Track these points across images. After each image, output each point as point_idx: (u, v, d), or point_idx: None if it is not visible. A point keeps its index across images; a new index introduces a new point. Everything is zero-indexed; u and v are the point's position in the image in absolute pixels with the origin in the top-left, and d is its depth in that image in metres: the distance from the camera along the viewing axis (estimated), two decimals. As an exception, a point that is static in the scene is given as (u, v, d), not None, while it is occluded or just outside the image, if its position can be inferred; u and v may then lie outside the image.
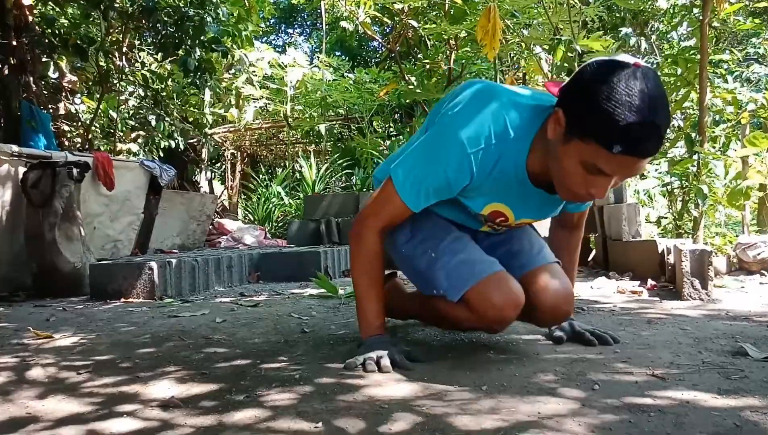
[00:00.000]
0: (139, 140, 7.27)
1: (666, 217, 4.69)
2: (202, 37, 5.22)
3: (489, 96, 1.53)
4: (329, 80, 9.15)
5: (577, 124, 1.34)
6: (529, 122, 1.50)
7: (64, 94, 6.07)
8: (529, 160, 1.51)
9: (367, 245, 1.64)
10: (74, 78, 6.21)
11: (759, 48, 7.59)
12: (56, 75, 5.69)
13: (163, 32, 5.09)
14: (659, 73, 5.15)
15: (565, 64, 4.80)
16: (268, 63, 9.11)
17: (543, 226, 2.16)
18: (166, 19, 5.12)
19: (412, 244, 1.72)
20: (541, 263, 1.73)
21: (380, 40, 9.00)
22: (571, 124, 1.35)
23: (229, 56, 6.53)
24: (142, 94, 7.06)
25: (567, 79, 1.45)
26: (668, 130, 1.34)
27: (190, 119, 8.13)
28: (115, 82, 6.44)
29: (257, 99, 9.33)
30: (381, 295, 1.68)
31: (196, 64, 5.30)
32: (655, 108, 1.28)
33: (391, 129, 8.94)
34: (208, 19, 5.19)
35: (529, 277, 1.67)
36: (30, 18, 5.10)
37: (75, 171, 3.75)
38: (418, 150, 1.59)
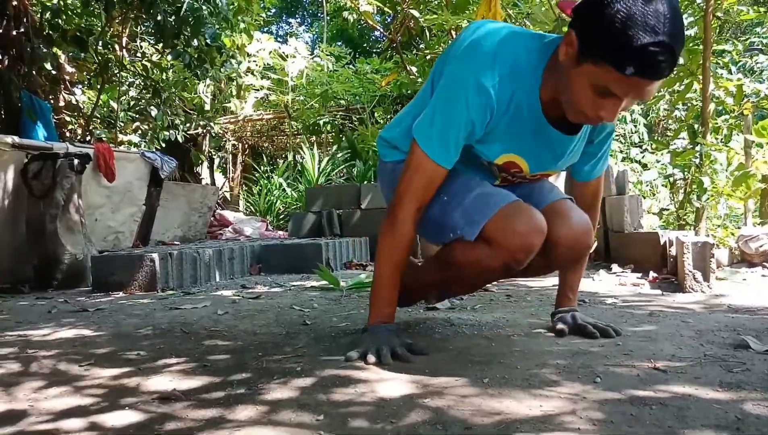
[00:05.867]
0: (140, 131, 7.25)
1: (668, 209, 4.68)
2: (202, 30, 5.18)
3: (494, 32, 1.53)
4: (331, 70, 9.12)
5: (590, 44, 1.32)
6: (539, 52, 1.49)
7: (63, 85, 6.04)
8: (542, 90, 1.50)
9: (401, 231, 1.59)
10: (72, 69, 6.18)
11: (763, 38, 7.54)
12: (55, 65, 5.67)
13: (162, 22, 5.05)
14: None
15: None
16: (269, 53, 9.08)
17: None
18: (166, 8, 5.10)
19: None
20: (555, 198, 1.71)
21: (382, 30, 8.96)
22: (583, 45, 1.34)
23: (225, 49, 6.48)
24: (143, 84, 7.03)
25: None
26: (681, 49, 1.31)
27: (191, 109, 8.10)
28: (116, 72, 6.42)
29: (258, 89, 9.30)
30: (398, 285, 1.65)
31: (195, 55, 5.28)
32: (670, 29, 1.26)
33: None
34: (206, 13, 5.15)
35: (545, 212, 1.61)
36: (29, 8, 5.08)
37: (76, 162, 3.74)
38: (434, 103, 1.55)
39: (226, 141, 9.94)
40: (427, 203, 1.62)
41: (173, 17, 5.10)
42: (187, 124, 7.55)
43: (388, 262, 1.62)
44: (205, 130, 8.31)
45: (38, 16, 5.35)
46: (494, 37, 1.51)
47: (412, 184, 1.58)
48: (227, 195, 9.44)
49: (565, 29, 4.08)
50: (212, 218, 6.40)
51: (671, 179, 4.42)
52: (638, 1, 1.26)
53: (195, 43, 5.27)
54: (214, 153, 9.91)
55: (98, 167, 4.30)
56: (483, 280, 1.88)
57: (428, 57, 7.31)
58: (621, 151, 6.83)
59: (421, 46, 8.06)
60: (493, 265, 1.59)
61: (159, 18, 5.02)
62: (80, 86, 6.79)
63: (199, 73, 5.67)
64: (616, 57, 1.28)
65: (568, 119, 1.50)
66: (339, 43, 12.98)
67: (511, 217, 1.53)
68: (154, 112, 6.71)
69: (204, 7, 5.19)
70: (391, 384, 1.35)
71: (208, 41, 5.40)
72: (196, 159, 8.17)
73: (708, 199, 4.03)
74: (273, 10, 15.44)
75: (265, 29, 11.84)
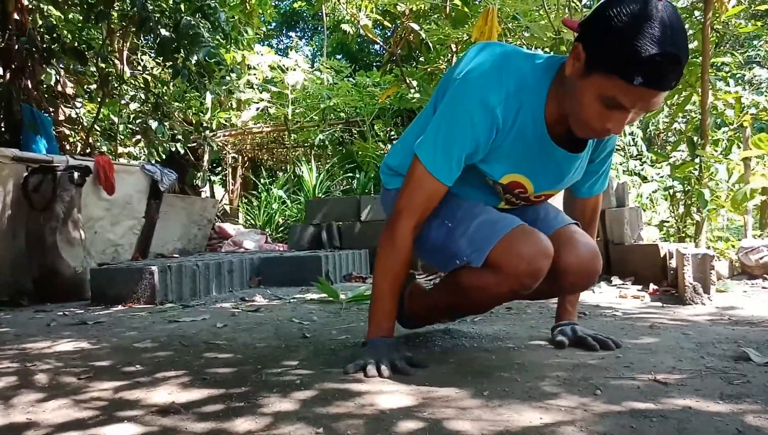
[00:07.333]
0: (140, 144, 7.26)
1: (668, 221, 4.68)
2: (196, 49, 5.19)
3: (498, 52, 1.54)
4: (331, 83, 9.15)
5: (597, 56, 1.34)
6: (543, 70, 1.51)
7: (63, 99, 6.07)
8: (547, 108, 1.51)
9: (399, 245, 1.58)
10: (72, 83, 6.21)
11: (760, 50, 7.59)
12: (55, 80, 5.69)
13: (161, 37, 5.07)
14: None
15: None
16: (269, 66, 9.12)
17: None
18: (166, 21, 5.12)
19: (427, 220, 1.63)
20: (561, 224, 1.71)
21: (381, 44, 9.00)
22: (590, 57, 1.36)
23: (224, 64, 6.50)
24: (143, 98, 7.06)
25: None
26: (686, 61, 1.33)
27: (192, 122, 8.11)
28: (116, 86, 6.44)
29: (257, 102, 9.33)
30: (397, 299, 1.64)
31: (194, 70, 5.29)
32: (676, 41, 1.29)
33: (393, 133, 8.94)
34: (204, 31, 5.16)
35: (551, 239, 1.59)
36: (29, 23, 5.11)
37: (76, 175, 3.75)
38: (438, 121, 1.55)
39: (226, 153, 9.96)
40: (425, 219, 1.61)
41: (173, 31, 5.11)
42: (190, 137, 7.56)
43: (387, 277, 1.61)
44: (204, 142, 8.31)
45: (39, 30, 5.37)
46: (499, 56, 1.53)
47: (412, 199, 1.58)
48: (227, 207, 9.43)
49: (563, 48, 4.12)
50: (212, 231, 6.39)
51: (671, 191, 4.42)
52: (645, 14, 1.28)
53: (194, 58, 5.28)
54: (213, 167, 9.92)
55: (98, 180, 4.30)
56: (491, 304, 1.86)
57: (428, 70, 7.35)
58: (621, 164, 6.85)
59: (421, 59, 8.10)
60: (500, 290, 1.58)
61: (157, 32, 5.03)
62: (80, 99, 6.81)
63: (198, 86, 5.69)
64: (624, 67, 1.30)
65: (575, 134, 1.51)
66: (339, 57, 13.04)
67: (517, 241, 1.51)
68: (154, 125, 6.72)
69: (202, 23, 5.20)
70: (390, 397, 1.35)
71: (206, 58, 5.41)
72: (191, 177, 8.16)
73: (708, 211, 4.03)
74: (273, 24, 15.54)
75: (266, 42, 11.90)
